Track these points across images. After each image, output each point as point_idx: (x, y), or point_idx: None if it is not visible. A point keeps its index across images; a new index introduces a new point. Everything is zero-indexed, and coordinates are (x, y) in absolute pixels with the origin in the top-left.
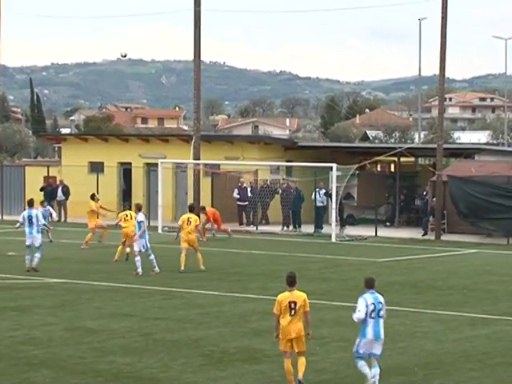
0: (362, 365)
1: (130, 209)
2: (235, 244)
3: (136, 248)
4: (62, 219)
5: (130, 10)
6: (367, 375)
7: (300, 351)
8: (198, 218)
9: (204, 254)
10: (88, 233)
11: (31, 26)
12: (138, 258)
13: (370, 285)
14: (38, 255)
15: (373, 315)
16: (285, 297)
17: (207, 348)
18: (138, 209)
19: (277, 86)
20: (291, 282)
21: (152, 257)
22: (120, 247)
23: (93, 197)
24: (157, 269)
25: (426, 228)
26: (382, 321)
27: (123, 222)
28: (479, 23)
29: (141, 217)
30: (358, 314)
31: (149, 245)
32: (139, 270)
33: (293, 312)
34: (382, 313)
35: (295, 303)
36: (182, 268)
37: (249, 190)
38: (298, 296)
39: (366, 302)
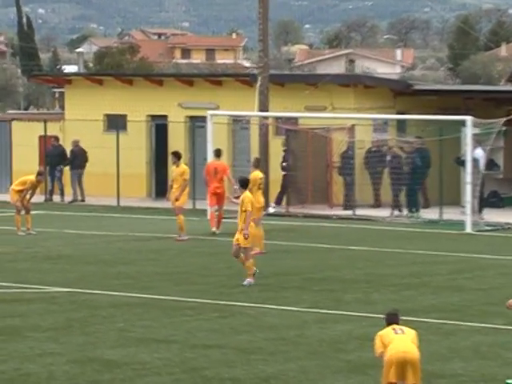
0: None
1: None
2: (322, 236)
3: None
4: (79, 198)
5: None
6: None
7: None
8: None
9: (275, 250)
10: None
11: None
12: None
13: None
14: None
15: None
16: (388, 330)
17: None
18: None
19: (382, 1)
20: (397, 321)
21: None
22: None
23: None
24: None
25: None
26: None
27: None
28: None
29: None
30: None
31: None
32: None
33: (399, 331)
34: None
35: (401, 328)
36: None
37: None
38: (406, 328)
39: None
